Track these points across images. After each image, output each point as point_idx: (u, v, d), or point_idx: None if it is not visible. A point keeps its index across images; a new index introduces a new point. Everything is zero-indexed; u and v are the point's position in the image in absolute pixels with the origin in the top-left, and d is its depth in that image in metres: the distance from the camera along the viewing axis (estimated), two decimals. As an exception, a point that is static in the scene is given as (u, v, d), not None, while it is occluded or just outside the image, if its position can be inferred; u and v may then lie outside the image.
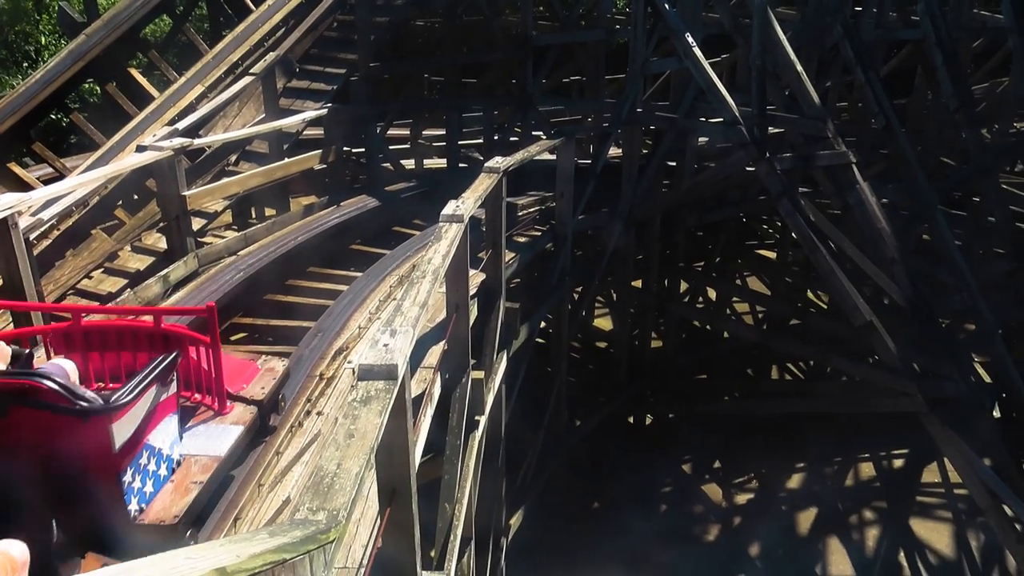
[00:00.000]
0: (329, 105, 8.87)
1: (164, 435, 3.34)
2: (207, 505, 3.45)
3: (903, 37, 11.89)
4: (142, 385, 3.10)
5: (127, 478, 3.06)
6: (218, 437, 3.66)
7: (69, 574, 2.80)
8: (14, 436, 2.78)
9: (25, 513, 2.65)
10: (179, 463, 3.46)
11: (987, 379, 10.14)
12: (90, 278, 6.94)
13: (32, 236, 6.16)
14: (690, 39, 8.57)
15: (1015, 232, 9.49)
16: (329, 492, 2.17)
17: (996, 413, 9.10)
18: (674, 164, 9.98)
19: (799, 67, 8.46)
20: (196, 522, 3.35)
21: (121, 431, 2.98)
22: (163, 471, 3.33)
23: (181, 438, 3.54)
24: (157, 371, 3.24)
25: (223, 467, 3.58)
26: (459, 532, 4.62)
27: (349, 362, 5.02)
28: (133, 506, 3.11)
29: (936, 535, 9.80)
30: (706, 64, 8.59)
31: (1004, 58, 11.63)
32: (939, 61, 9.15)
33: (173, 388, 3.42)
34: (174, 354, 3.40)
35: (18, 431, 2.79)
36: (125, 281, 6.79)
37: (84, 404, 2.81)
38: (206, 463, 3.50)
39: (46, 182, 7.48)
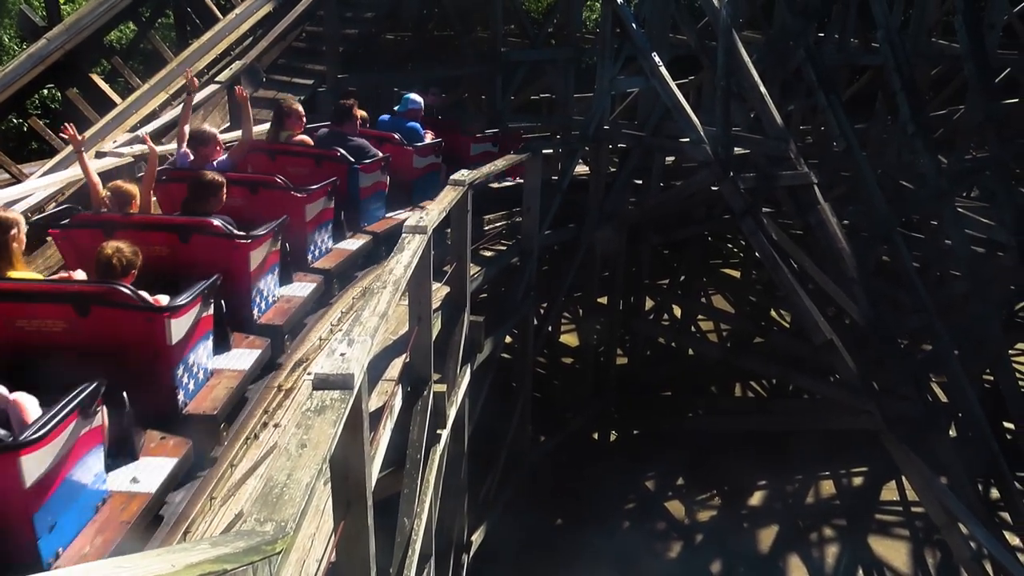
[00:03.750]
0: (296, 115, 8.78)
1: (203, 349, 4.08)
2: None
3: (864, 62, 12.22)
4: (194, 295, 3.85)
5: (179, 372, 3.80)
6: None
7: (137, 442, 3.54)
8: (96, 330, 3.51)
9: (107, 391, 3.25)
10: (212, 373, 4.24)
11: (944, 398, 10.35)
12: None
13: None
14: (657, 59, 8.68)
15: (971, 255, 9.69)
16: (278, 503, 2.11)
17: (952, 432, 9.25)
18: (640, 182, 10.07)
19: (763, 89, 8.61)
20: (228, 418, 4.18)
21: (177, 329, 3.66)
22: (201, 376, 4.11)
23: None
24: (204, 288, 3.95)
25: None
26: (418, 548, 4.55)
27: (308, 374, 4.93)
28: (181, 397, 3.89)
29: (894, 553, 9.91)
30: (672, 84, 8.70)
31: (961, 85, 11.96)
32: (898, 87, 9.37)
33: (210, 309, 4.14)
34: (213, 278, 4.10)
35: (98, 326, 3.51)
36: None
37: (146, 304, 3.55)
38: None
39: (2, 187, 7.28)
